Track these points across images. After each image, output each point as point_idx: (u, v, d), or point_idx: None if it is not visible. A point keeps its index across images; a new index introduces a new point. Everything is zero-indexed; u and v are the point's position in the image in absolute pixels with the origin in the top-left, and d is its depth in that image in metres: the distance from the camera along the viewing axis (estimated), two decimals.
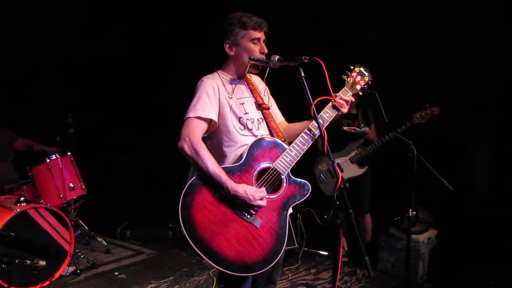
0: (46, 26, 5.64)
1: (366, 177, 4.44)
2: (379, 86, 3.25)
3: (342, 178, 1.93)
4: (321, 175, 4.41)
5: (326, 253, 4.80)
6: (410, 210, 3.31)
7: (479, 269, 4.00)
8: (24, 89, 5.72)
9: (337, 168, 1.99)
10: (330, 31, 5.08)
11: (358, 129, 4.36)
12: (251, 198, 2.12)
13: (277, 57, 2.24)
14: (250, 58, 2.31)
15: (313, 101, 2.09)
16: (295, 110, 2.80)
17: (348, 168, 4.34)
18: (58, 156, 4.38)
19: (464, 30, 4.41)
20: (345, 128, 4.34)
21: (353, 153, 4.37)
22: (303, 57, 2.08)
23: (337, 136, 4.35)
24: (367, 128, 4.39)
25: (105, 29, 6.10)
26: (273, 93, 2.62)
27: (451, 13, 4.46)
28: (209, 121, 2.26)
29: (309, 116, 2.34)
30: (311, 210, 4.50)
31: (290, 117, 2.66)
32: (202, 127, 2.23)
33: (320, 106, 2.24)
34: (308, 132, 2.26)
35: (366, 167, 4.39)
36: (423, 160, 3.32)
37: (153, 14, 6.15)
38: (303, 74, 2.08)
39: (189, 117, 2.22)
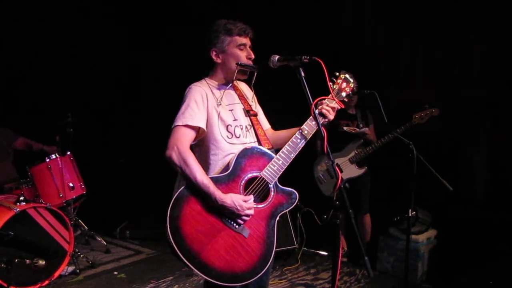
0: (45, 25, 5.64)
1: (366, 178, 4.44)
2: (378, 87, 3.26)
3: (342, 179, 1.93)
4: (321, 175, 4.41)
5: (325, 253, 4.81)
6: (410, 210, 3.32)
7: (478, 270, 4.00)
8: (24, 88, 5.72)
9: (336, 168, 1.99)
10: (327, 32, 5.08)
11: (357, 129, 4.37)
12: (238, 208, 2.11)
13: (277, 57, 2.24)
14: (237, 64, 2.30)
15: (313, 101, 2.09)
16: (279, 116, 2.79)
17: (347, 168, 4.35)
18: (57, 155, 4.38)
19: (463, 30, 4.41)
20: (345, 128, 4.34)
21: (352, 154, 4.38)
22: (303, 57, 2.08)
23: (336, 136, 4.35)
24: (366, 129, 4.39)
25: (105, 27, 6.10)
26: (260, 99, 2.60)
27: (449, 13, 4.46)
28: (197, 129, 2.24)
29: (293, 122, 2.33)
30: (310, 210, 4.51)
31: (274, 123, 2.65)
32: (190, 135, 2.22)
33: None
34: (295, 140, 2.25)
35: (366, 167, 4.39)
36: (423, 160, 3.33)
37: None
38: (303, 74, 2.08)
39: (177, 125, 2.20)
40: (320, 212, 4.46)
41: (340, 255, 1.97)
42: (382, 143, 4.15)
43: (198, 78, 2.40)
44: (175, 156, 2.14)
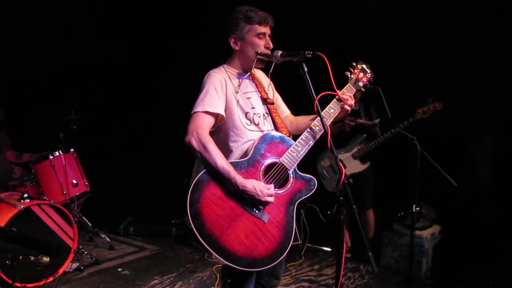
0: (48, 24, 5.65)
1: (368, 173, 4.43)
2: (381, 82, 3.25)
3: (345, 174, 1.92)
4: (324, 171, 4.41)
5: (329, 249, 4.81)
6: (414, 206, 3.31)
7: (483, 265, 3.99)
8: (27, 86, 5.73)
9: (340, 163, 1.98)
10: (330, 26, 5.05)
11: (369, 122, 4.33)
12: (259, 193, 2.12)
13: (280, 52, 2.25)
14: (257, 53, 2.30)
15: (317, 96, 2.08)
16: (301, 104, 2.79)
17: (350, 164, 4.34)
18: (61, 152, 4.39)
19: (466, 24, 4.38)
20: (359, 120, 4.32)
21: (355, 149, 4.36)
22: (306, 52, 2.07)
23: (339, 132, 4.35)
24: (378, 120, 4.36)
25: (108, 27, 6.10)
26: (279, 87, 2.61)
27: (453, 6, 4.44)
28: (216, 116, 2.25)
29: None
30: (314, 206, 4.50)
31: (296, 112, 2.65)
32: (209, 121, 2.22)
33: (324, 101, 2.23)
34: (314, 128, 2.27)
35: (369, 163, 4.37)
36: (427, 156, 3.32)
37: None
38: (306, 69, 2.08)
39: (197, 112, 2.20)
40: (324, 208, 4.45)
41: (344, 251, 1.97)
42: (385, 138, 4.13)
43: (214, 65, 2.40)
44: (194, 142, 2.14)
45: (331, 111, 2.32)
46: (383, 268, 4.33)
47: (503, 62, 4.22)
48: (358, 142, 4.38)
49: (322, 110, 2.21)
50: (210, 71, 2.34)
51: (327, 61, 2.04)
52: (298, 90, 2.33)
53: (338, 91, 2.32)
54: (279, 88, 2.61)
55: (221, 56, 2.43)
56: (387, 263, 4.35)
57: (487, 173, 4.51)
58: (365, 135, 4.38)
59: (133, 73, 6.25)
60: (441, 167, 3.39)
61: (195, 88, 2.33)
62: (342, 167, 1.96)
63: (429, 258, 4.20)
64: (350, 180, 1.96)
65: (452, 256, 4.23)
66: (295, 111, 2.66)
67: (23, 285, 3.52)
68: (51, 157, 4.32)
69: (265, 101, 2.42)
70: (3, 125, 4.91)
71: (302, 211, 4.53)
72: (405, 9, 4.78)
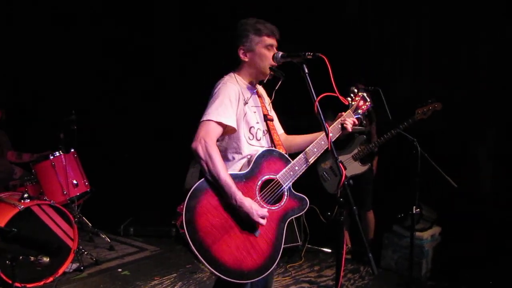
0: (48, 24, 5.65)
1: (369, 174, 4.43)
2: (381, 82, 3.25)
3: (345, 176, 1.93)
4: (324, 173, 4.41)
5: (329, 250, 4.80)
6: (414, 207, 3.31)
7: (483, 266, 3.99)
8: (27, 86, 5.73)
9: (340, 165, 1.99)
10: (330, 26, 5.05)
11: (358, 127, 4.34)
12: (254, 213, 2.13)
13: (280, 53, 2.26)
14: (270, 68, 2.31)
15: (317, 98, 2.08)
16: (303, 105, 2.79)
17: (351, 165, 4.33)
18: (61, 152, 4.39)
19: (468, 26, 4.38)
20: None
21: (355, 151, 4.36)
22: (307, 53, 2.08)
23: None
24: (366, 129, 4.37)
25: (109, 24, 6.10)
26: (280, 88, 2.62)
27: (455, 8, 4.44)
28: (225, 127, 2.24)
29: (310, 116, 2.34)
30: (314, 208, 4.50)
31: (298, 113, 2.66)
32: (218, 131, 2.22)
33: (326, 101, 2.23)
34: (311, 149, 2.35)
35: (369, 164, 4.37)
36: (427, 157, 3.31)
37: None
38: (306, 71, 2.08)
39: (209, 120, 2.19)
40: (324, 210, 4.45)
41: (344, 252, 1.97)
42: (385, 139, 4.13)
43: (220, 73, 2.41)
44: (201, 150, 2.14)
45: (330, 135, 2.33)
46: (383, 270, 4.33)
47: (503, 62, 4.22)
48: (358, 143, 4.38)
49: (322, 113, 2.22)
50: (224, 79, 2.34)
51: (327, 63, 2.04)
52: (299, 92, 2.34)
53: (340, 114, 2.40)
54: (280, 90, 2.61)
55: (224, 63, 2.43)
56: (387, 265, 4.35)
57: (487, 173, 4.51)
58: (365, 136, 4.39)
59: (134, 73, 6.25)
60: (441, 167, 3.39)
61: (197, 91, 2.33)
62: (343, 168, 1.97)
63: (429, 260, 4.20)
64: (351, 181, 1.96)
65: (452, 257, 4.23)
66: (297, 111, 2.65)
67: (23, 285, 3.53)
68: (51, 157, 4.32)
69: (266, 117, 2.44)
70: (4, 125, 4.92)
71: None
72: (405, 9, 4.78)
